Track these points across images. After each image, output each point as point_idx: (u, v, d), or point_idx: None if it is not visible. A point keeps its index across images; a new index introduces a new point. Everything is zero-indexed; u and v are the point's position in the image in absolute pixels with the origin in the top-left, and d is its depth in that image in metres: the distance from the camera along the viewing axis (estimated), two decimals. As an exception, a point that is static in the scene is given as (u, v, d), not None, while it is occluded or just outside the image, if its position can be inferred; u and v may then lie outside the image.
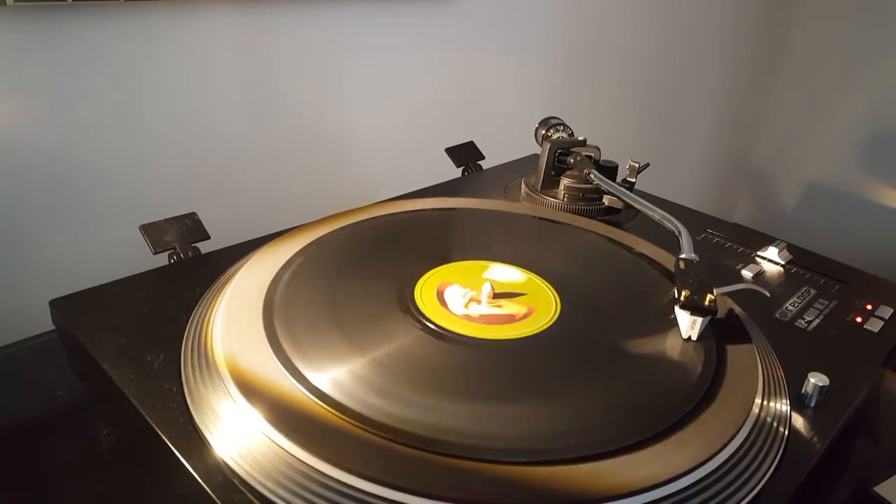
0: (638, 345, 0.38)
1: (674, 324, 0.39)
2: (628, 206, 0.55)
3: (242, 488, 0.27)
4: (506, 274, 0.44)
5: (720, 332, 0.39)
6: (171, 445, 0.30)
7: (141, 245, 0.44)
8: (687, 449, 0.30)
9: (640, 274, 0.46)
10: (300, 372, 0.32)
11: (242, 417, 0.30)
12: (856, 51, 1.46)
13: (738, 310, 0.42)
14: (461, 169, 0.67)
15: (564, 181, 0.58)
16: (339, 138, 0.75)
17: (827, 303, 0.47)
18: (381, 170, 0.81)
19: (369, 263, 0.44)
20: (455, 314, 0.39)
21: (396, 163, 0.82)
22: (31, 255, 0.55)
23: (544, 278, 0.44)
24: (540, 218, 0.54)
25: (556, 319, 0.39)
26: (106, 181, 0.58)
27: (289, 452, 0.28)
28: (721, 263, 0.51)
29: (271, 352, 0.34)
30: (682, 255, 0.42)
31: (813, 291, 0.48)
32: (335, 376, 0.32)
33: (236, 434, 0.29)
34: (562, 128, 0.62)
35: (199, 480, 0.28)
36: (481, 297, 0.40)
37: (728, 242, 0.55)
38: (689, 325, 0.38)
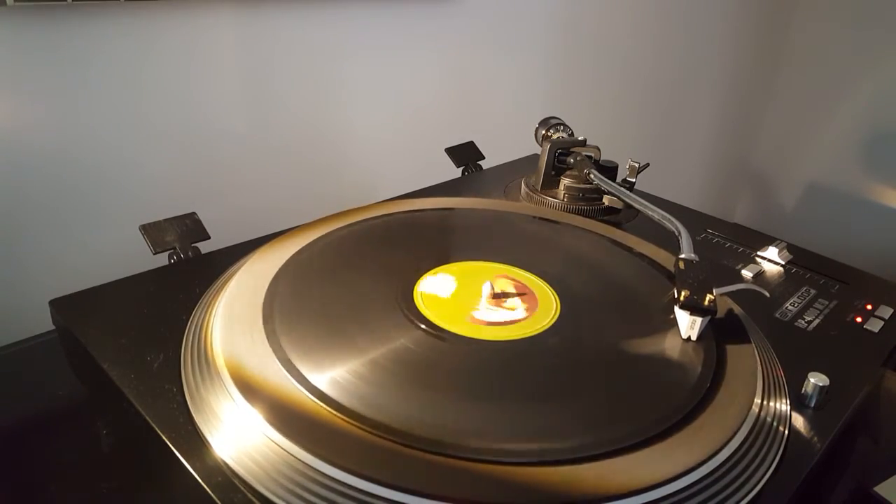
0: (638, 345, 0.38)
1: (674, 324, 0.39)
2: (628, 206, 0.55)
3: (242, 488, 0.27)
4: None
5: (720, 332, 0.39)
6: (171, 445, 0.30)
7: (141, 245, 0.44)
8: (687, 449, 0.30)
9: (640, 274, 0.46)
10: (300, 372, 0.32)
11: (242, 417, 0.30)
12: (856, 51, 1.46)
13: (737, 310, 0.42)
14: (461, 169, 0.67)
15: (564, 181, 0.58)
16: (338, 138, 0.75)
17: (827, 303, 0.47)
18: (381, 170, 0.81)
19: (369, 263, 0.44)
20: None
21: (396, 163, 0.82)
22: (31, 255, 0.55)
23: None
24: (540, 218, 0.54)
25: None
26: (106, 181, 0.58)
27: (289, 452, 0.28)
28: (721, 263, 0.51)
29: (271, 352, 0.34)
30: (682, 255, 0.42)
31: (813, 291, 0.48)
32: (335, 376, 0.32)
33: (236, 434, 0.29)
34: (562, 128, 0.62)
35: (199, 480, 0.28)
36: (481, 298, 0.40)
37: (728, 242, 0.55)
38: (688, 325, 0.38)
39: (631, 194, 0.54)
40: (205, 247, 0.46)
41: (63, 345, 0.40)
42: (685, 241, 0.44)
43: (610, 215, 0.58)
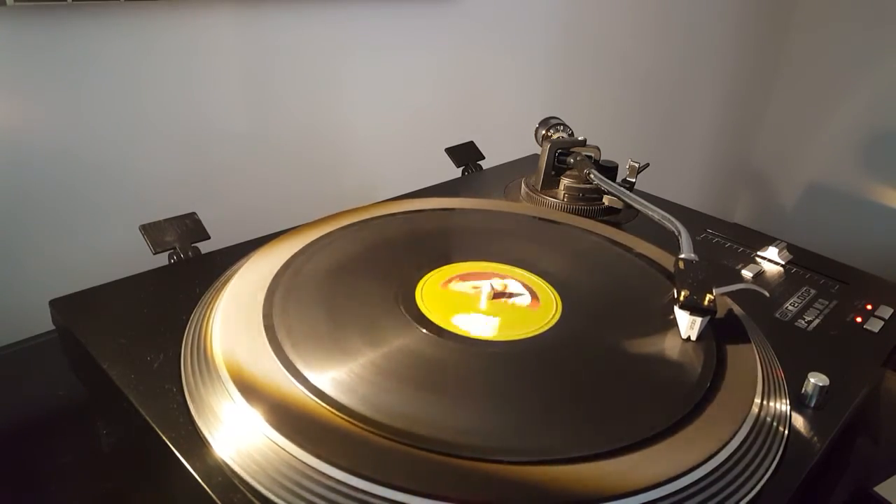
0: (638, 345, 0.38)
1: (674, 324, 0.39)
2: (628, 206, 0.55)
3: (242, 488, 0.27)
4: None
5: (720, 332, 0.39)
6: (171, 445, 0.30)
7: (141, 245, 0.44)
8: (687, 449, 0.30)
9: (640, 274, 0.46)
10: (300, 372, 0.32)
11: (242, 417, 0.30)
12: (856, 51, 1.46)
13: (737, 310, 0.42)
14: (461, 169, 0.67)
15: (564, 181, 0.58)
16: (339, 138, 0.75)
17: (827, 303, 0.47)
18: (381, 170, 0.81)
19: (369, 263, 0.44)
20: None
21: (396, 163, 0.82)
22: (31, 255, 0.55)
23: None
24: (540, 218, 0.54)
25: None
26: (106, 181, 0.58)
27: (289, 452, 0.28)
28: (721, 263, 0.51)
29: (271, 352, 0.34)
30: (682, 255, 0.42)
31: (813, 291, 0.48)
32: (335, 376, 0.32)
33: (236, 434, 0.29)
34: (562, 128, 0.62)
35: (199, 480, 0.28)
36: (481, 298, 0.40)
37: (728, 242, 0.55)
38: (688, 325, 0.38)
39: (631, 194, 0.54)
40: (205, 247, 0.46)
41: (63, 345, 0.40)
42: (685, 241, 0.44)
43: (610, 215, 0.58)
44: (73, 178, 0.56)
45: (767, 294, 0.43)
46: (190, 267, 0.44)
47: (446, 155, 0.67)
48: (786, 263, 0.52)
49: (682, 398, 0.33)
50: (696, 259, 0.42)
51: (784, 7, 1.50)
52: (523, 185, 0.61)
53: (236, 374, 0.32)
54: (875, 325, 0.44)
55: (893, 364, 0.43)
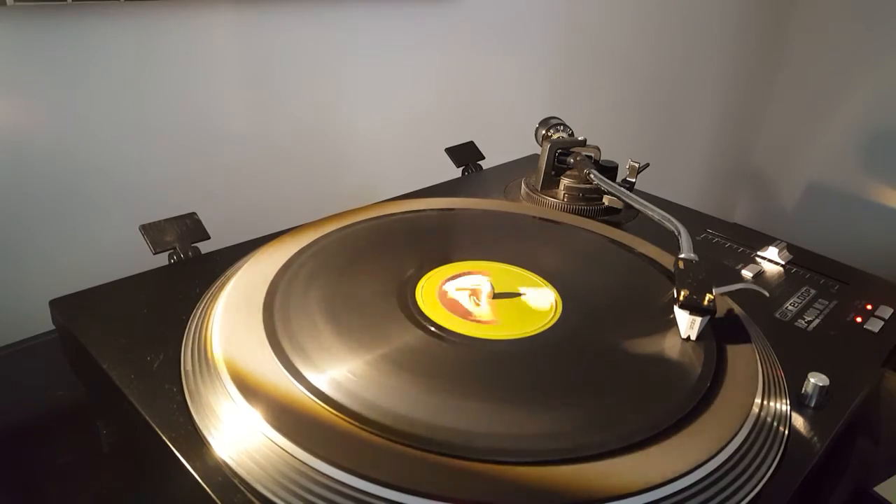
0: (638, 345, 0.38)
1: (673, 324, 0.39)
2: (628, 206, 0.55)
3: (242, 488, 0.27)
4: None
5: (720, 332, 0.39)
6: (171, 445, 0.30)
7: (141, 245, 0.44)
8: (687, 449, 0.30)
9: (640, 274, 0.46)
10: (300, 372, 0.32)
11: (242, 417, 0.30)
12: (856, 51, 1.46)
13: (737, 310, 0.42)
14: (461, 169, 0.67)
15: (564, 181, 0.58)
16: (339, 138, 0.75)
17: (827, 303, 0.47)
18: (381, 170, 0.81)
19: (369, 263, 0.44)
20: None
21: (396, 163, 0.82)
22: (31, 255, 0.55)
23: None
24: (540, 218, 0.54)
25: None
26: (106, 181, 0.58)
27: (289, 452, 0.28)
28: (721, 263, 0.51)
29: (271, 352, 0.34)
30: (682, 255, 0.42)
31: (813, 291, 0.48)
32: (335, 376, 0.32)
33: (236, 434, 0.29)
34: (562, 128, 0.62)
35: (199, 480, 0.28)
36: (481, 298, 0.40)
37: (728, 242, 0.55)
38: (687, 324, 0.38)
39: (631, 194, 0.54)
40: (205, 247, 0.46)
41: (63, 345, 0.40)
42: (685, 240, 0.44)
43: (610, 215, 0.58)
44: (73, 178, 0.56)
45: (767, 294, 0.43)
46: (190, 267, 0.44)
47: (446, 155, 0.67)
48: (786, 263, 0.52)
49: (681, 398, 0.33)
50: (696, 259, 0.42)
51: (784, 7, 1.50)
52: (523, 185, 0.61)
53: (236, 374, 0.32)
54: (875, 325, 0.44)
55: (893, 364, 0.43)
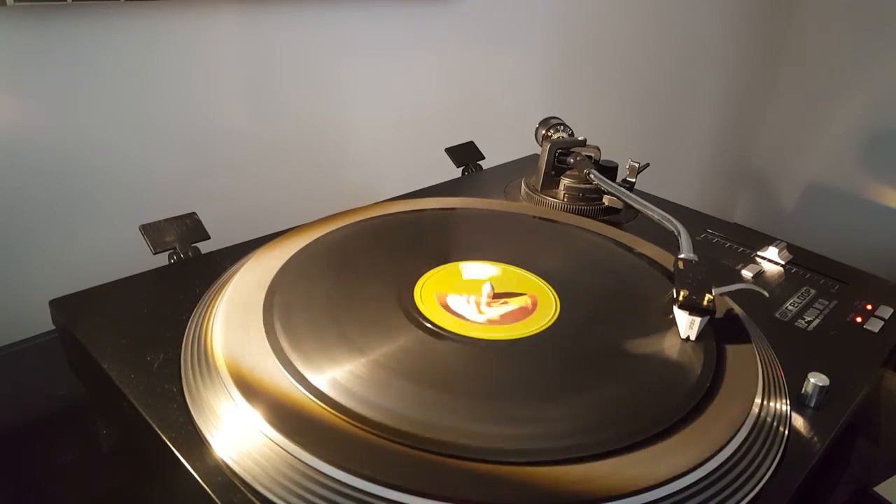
0: (637, 345, 0.38)
1: (673, 324, 0.39)
2: (628, 206, 0.55)
3: (242, 488, 0.27)
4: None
5: (720, 332, 0.39)
6: (171, 445, 0.30)
7: (141, 245, 0.44)
8: (687, 449, 0.30)
9: (640, 274, 0.46)
10: (300, 372, 0.32)
11: (242, 417, 0.30)
12: (856, 51, 1.46)
13: (737, 310, 0.42)
14: (461, 169, 0.67)
15: (564, 181, 0.58)
16: (339, 138, 0.75)
17: (827, 303, 0.47)
18: (381, 170, 0.81)
19: (369, 263, 0.44)
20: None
21: (396, 163, 0.82)
22: (31, 255, 0.55)
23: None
24: (540, 218, 0.54)
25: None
26: (106, 181, 0.58)
27: (289, 452, 0.28)
28: (721, 263, 0.51)
29: (271, 352, 0.34)
30: (682, 255, 0.42)
31: (813, 291, 0.48)
32: (335, 376, 0.32)
33: (236, 434, 0.29)
34: (562, 128, 0.62)
35: (199, 480, 0.28)
36: (481, 298, 0.40)
37: (728, 242, 0.55)
38: (687, 325, 0.38)
39: (631, 194, 0.54)
40: (205, 247, 0.46)
41: (63, 345, 0.40)
42: (685, 241, 0.44)
43: (610, 215, 0.58)
44: (73, 178, 0.56)
45: (767, 294, 0.43)
46: (190, 267, 0.44)
47: (446, 155, 0.67)
48: (786, 263, 0.52)
49: (681, 398, 0.33)
50: (696, 259, 0.42)
51: (784, 7, 1.50)
52: (523, 185, 0.61)
53: (236, 374, 0.32)
54: (875, 325, 0.44)
55: (893, 364, 0.43)
